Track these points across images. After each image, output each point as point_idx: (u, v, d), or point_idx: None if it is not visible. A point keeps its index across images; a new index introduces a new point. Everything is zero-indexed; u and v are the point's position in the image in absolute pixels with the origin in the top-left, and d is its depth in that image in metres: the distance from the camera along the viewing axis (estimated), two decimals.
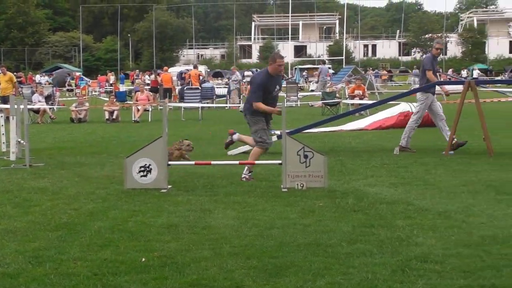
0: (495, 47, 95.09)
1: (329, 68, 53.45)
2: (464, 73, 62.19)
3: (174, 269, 5.52)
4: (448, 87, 14.77)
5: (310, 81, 53.71)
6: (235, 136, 12.06)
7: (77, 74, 58.79)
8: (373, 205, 8.03)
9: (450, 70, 67.46)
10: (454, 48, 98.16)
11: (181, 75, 49.72)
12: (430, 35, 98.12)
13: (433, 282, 5.10)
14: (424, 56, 14.60)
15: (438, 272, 5.34)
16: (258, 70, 65.50)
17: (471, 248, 6.03)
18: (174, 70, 60.44)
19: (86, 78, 58.69)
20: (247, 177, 10.19)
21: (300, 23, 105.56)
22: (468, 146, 13.58)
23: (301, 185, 9.22)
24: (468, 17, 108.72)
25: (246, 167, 10.32)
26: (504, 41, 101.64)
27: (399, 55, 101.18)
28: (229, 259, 5.76)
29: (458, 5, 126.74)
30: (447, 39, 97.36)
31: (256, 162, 10.37)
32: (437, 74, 14.68)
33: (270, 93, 10.25)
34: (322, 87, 37.11)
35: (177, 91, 32.93)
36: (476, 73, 59.68)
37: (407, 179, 10.06)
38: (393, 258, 5.72)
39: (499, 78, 62.71)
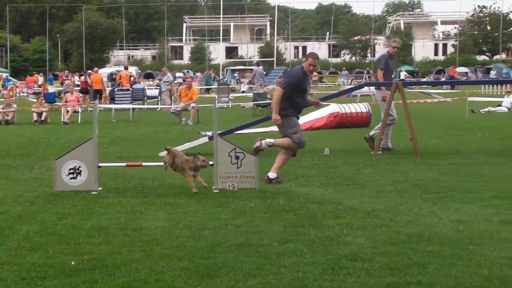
0: (421, 50, 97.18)
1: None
2: None
3: (104, 272, 5.47)
4: (374, 89, 15.01)
5: (242, 82, 53.78)
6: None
7: (4, 75, 57.40)
8: (304, 205, 8.12)
9: None
10: (382, 50, 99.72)
11: (111, 76, 49.17)
12: (358, 37, 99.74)
13: (362, 280, 5.20)
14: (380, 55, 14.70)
15: (367, 270, 5.44)
16: (190, 71, 65.44)
17: (398, 246, 6.16)
18: (104, 71, 59.80)
19: (13, 79, 57.37)
20: (261, 145, 10.20)
21: (231, 24, 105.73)
22: (396, 146, 13.87)
23: (233, 186, 9.26)
24: (395, 20, 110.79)
25: (272, 141, 10.31)
26: (430, 43, 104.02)
27: (329, 56, 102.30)
28: (161, 261, 5.74)
29: (385, 8, 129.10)
30: (375, 41, 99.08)
31: None
32: (394, 73, 14.86)
33: (304, 91, 10.30)
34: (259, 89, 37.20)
35: (107, 92, 32.57)
36: (403, 75, 60.84)
37: (337, 179, 10.21)
38: (323, 257, 5.81)
39: (425, 79, 64.12)
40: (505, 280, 5.15)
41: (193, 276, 5.34)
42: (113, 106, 26.47)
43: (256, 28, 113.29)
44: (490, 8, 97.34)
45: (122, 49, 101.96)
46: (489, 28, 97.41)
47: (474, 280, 5.16)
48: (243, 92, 43.00)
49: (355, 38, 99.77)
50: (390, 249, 6.06)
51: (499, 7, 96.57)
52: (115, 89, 29.95)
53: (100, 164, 9.54)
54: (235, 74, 63.53)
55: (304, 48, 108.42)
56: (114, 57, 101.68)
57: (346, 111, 19.38)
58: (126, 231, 6.88)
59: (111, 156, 13.18)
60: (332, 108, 19.66)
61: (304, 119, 19.87)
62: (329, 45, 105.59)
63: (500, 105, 27.53)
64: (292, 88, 10.00)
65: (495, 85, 43.61)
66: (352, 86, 37.50)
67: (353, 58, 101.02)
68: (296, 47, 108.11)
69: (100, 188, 9.34)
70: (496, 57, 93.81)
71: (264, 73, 52.27)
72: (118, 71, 47.89)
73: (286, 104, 10.02)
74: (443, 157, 12.64)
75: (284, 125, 10.08)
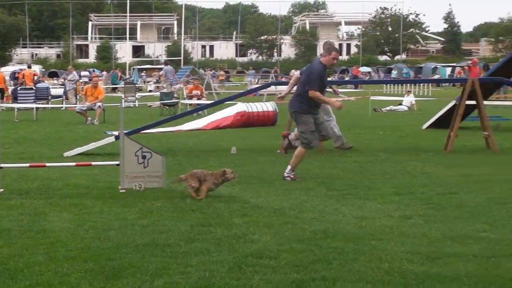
0: None
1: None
2: (297, 73, 64.04)
3: (6, 275, 5.33)
4: (281, 88, 15.28)
5: (148, 82, 53.30)
6: (292, 136, 11.15)
7: None
8: (211, 204, 8.14)
9: (293, 71, 69.36)
10: (288, 50, 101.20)
11: (14, 75, 47.77)
12: (265, 37, 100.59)
13: (268, 277, 5.26)
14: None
15: (273, 267, 5.52)
16: (96, 70, 64.28)
17: (303, 243, 6.27)
18: (6, 70, 57.94)
19: None
20: (291, 176, 10.01)
21: (138, 23, 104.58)
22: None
23: (139, 185, 9.18)
24: (301, 20, 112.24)
25: (289, 167, 10.10)
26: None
27: (236, 56, 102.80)
28: (65, 263, 5.65)
29: (291, 9, 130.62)
30: (282, 41, 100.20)
31: (93, 163, 10.23)
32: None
33: (325, 87, 10.44)
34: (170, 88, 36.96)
35: (10, 91, 31.67)
36: None
37: (243, 177, 10.24)
38: (230, 256, 5.85)
39: (330, 79, 65.26)
40: (404, 273, 5.32)
41: (98, 277, 5.28)
42: (16, 105, 25.75)
43: (163, 27, 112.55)
44: (391, 10, 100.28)
45: (26, 47, 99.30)
46: (390, 29, 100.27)
47: (375, 274, 5.31)
48: (150, 91, 42.63)
49: (262, 37, 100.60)
50: (295, 246, 6.16)
51: (399, 9, 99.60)
52: (18, 88, 29.17)
53: (2, 165, 9.28)
54: (142, 74, 62.94)
55: (212, 47, 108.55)
56: (17, 55, 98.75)
57: (253, 110, 19.54)
58: (29, 233, 6.73)
59: (13, 156, 12.83)
60: (239, 107, 19.77)
61: (211, 118, 19.94)
62: (236, 44, 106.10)
63: (400, 104, 28.39)
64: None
65: (396, 85, 44.87)
66: (259, 85, 37.79)
67: (260, 57, 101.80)
68: (204, 46, 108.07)
69: (1, 190, 9.08)
70: (397, 57, 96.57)
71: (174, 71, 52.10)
72: (21, 69, 46.50)
73: (308, 103, 10.10)
74: (347, 155, 12.94)
75: (300, 122, 10.22)
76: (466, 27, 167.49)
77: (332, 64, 10.32)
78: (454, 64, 66.26)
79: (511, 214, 7.51)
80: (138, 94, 35.04)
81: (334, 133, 13.84)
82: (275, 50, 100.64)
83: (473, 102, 13.81)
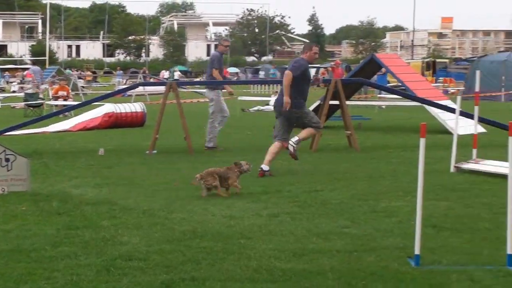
0: (194, 50, 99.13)
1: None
2: (166, 74, 63.89)
3: None
4: (149, 88, 15.23)
5: (12, 82, 51.50)
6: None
7: None
8: (78, 207, 8.00)
9: (162, 71, 69.02)
10: (156, 50, 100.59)
11: None
12: (133, 37, 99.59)
13: (137, 279, 5.25)
14: (212, 54, 14.80)
15: (142, 269, 5.51)
16: None
17: (173, 243, 6.29)
18: None
19: None
20: (295, 147, 10.48)
21: (0, 21, 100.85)
22: (169, 145, 14.07)
23: (2, 189, 8.88)
24: (169, 20, 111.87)
25: (296, 138, 10.48)
26: (202, 44, 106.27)
27: (103, 56, 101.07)
28: None
29: (159, 9, 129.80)
30: (150, 41, 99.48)
31: None
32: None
33: (309, 80, 10.80)
34: (37, 88, 35.74)
35: None
36: (177, 75, 61.55)
37: (112, 179, 10.16)
38: (98, 259, 5.78)
39: (198, 79, 65.46)
40: (272, 270, 5.45)
41: None
42: None
43: (27, 26, 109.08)
44: (258, 11, 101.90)
45: None
46: (257, 30, 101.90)
47: (244, 273, 5.41)
48: (13, 92, 41.18)
49: (130, 37, 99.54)
50: (165, 247, 6.17)
51: (266, 11, 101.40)
52: None
53: None
54: (5, 74, 60.72)
55: (78, 47, 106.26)
56: None
57: (121, 111, 19.33)
58: None
59: None
60: (107, 108, 19.50)
61: (78, 120, 19.55)
62: (103, 44, 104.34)
63: (268, 104, 28.80)
64: (301, 77, 10.38)
65: (263, 85, 45.60)
66: (127, 85, 37.40)
67: (128, 57, 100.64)
68: (70, 46, 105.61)
69: None
70: (264, 58, 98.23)
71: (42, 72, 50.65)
72: None
73: (295, 94, 10.32)
74: (216, 154, 13.06)
75: (301, 115, 10.51)
76: (329, 29, 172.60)
77: (314, 59, 10.82)
78: (318, 65, 68.02)
79: (372, 210, 7.85)
80: (1, 95, 33.81)
81: (213, 133, 13.99)
82: (143, 51, 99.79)
83: (337, 102, 14.31)
